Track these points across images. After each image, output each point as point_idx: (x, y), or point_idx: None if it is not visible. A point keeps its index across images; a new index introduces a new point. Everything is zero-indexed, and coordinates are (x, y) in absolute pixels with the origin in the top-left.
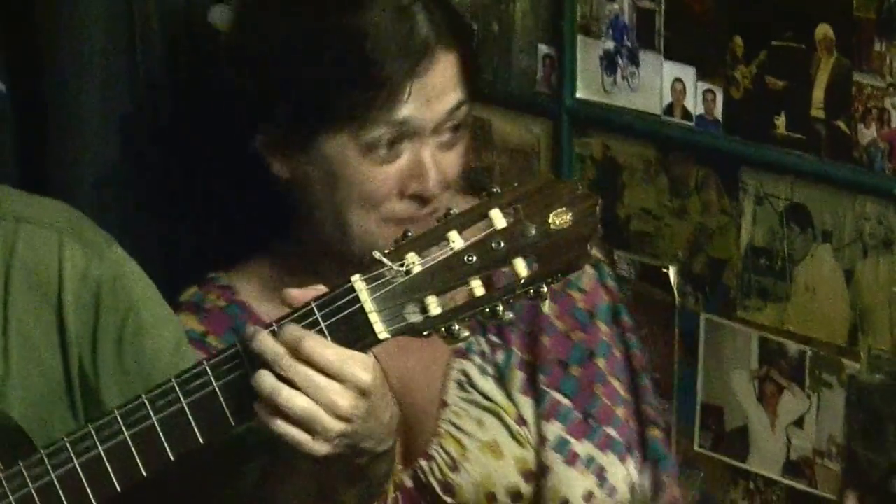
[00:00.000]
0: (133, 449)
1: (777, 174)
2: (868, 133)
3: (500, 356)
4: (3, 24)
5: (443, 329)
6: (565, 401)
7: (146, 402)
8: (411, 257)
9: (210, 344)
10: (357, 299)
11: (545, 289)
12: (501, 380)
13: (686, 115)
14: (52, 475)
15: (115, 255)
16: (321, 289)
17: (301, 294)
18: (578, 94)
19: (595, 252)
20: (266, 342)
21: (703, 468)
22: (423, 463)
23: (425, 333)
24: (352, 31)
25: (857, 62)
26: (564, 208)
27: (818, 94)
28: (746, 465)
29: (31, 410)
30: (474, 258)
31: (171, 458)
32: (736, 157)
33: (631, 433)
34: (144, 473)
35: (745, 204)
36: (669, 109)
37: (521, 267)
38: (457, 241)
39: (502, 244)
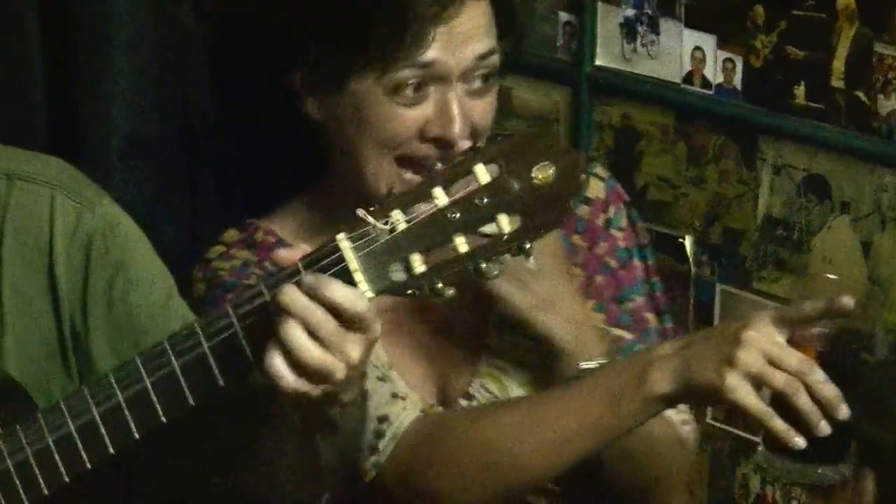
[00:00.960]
0: (127, 412)
1: (796, 144)
2: (888, 104)
3: None
4: None
5: (427, 287)
6: (627, 335)
7: (139, 363)
8: (396, 215)
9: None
10: (342, 258)
11: (528, 245)
12: None
13: (705, 83)
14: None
15: (106, 209)
16: (306, 248)
17: (289, 254)
18: (598, 62)
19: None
20: (290, 292)
21: (715, 440)
22: (464, 402)
23: (409, 292)
24: None
25: (878, 32)
26: (548, 163)
27: (838, 64)
28: (758, 437)
29: (28, 367)
30: (458, 215)
31: (164, 419)
32: (754, 127)
33: None
34: (137, 435)
35: (762, 174)
36: (689, 78)
37: (504, 223)
38: (441, 197)
39: (486, 200)
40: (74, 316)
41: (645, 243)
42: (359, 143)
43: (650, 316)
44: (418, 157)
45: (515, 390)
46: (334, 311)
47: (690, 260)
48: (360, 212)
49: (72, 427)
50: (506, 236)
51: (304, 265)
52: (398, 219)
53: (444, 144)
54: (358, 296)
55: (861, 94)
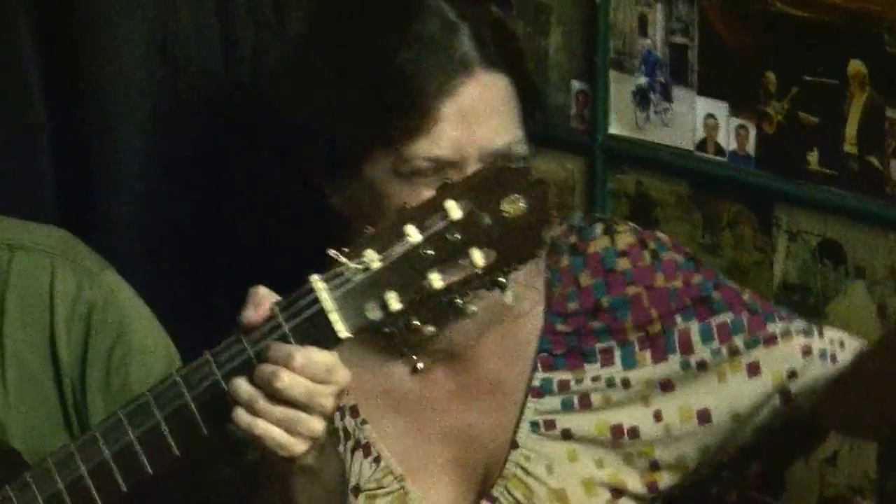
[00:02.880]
0: (113, 465)
1: (810, 210)
2: None
3: (615, 359)
4: (44, 57)
5: (403, 325)
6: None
7: (122, 417)
8: (369, 254)
9: None
10: (317, 299)
11: (503, 279)
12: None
13: (719, 150)
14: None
15: (107, 278)
16: (266, 294)
17: (256, 312)
18: (612, 130)
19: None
20: (261, 368)
21: None
22: None
23: (386, 330)
24: (390, 43)
25: (889, 98)
26: (518, 196)
27: (850, 129)
28: (780, 502)
29: (31, 437)
30: (432, 251)
31: (150, 471)
32: (769, 193)
33: None
34: (124, 488)
35: (778, 240)
36: (702, 145)
37: (477, 257)
38: (413, 234)
39: (458, 235)
40: (75, 384)
41: (691, 254)
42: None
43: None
44: None
45: (542, 501)
46: (304, 374)
47: None
48: (333, 252)
49: (61, 486)
50: (479, 270)
51: (280, 308)
52: (372, 258)
53: None
54: (323, 355)
55: (874, 160)
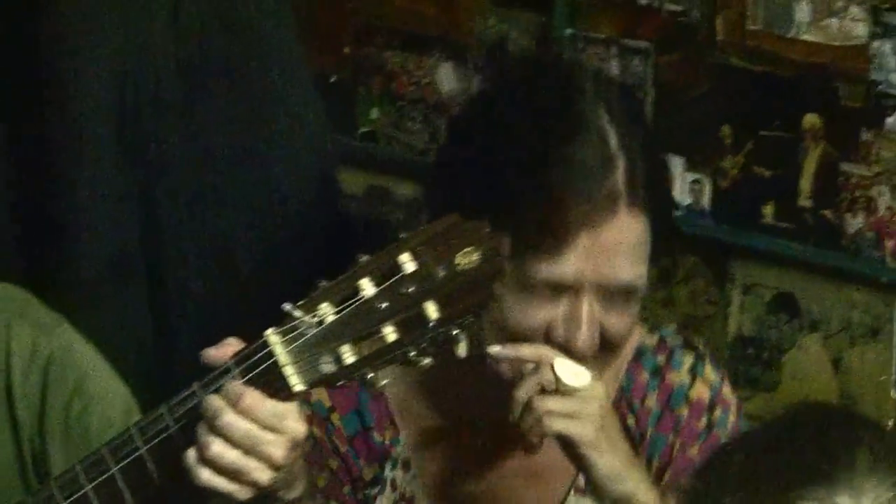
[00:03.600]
0: None
1: (765, 263)
2: (855, 222)
3: None
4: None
5: (358, 378)
6: None
7: (80, 471)
8: (324, 307)
9: (332, 421)
10: (271, 353)
11: (456, 331)
12: None
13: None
14: None
15: (63, 332)
16: (236, 345)
17: (218, 352)
18: None
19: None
20: (209, 400)
21: None
22: None
23: (340, 384)
24: (544, 157)
25: (844, 151)
26: (471, 248)
27: (805, 183)
28: None
29: None
30: (385, 304)
31: None
32: (724, 247)
33: None
34: None
35: (732, 293)
36: None
37: (431, 310)
38: (368, 288)
39: (411, 289)
40: (33, 438)
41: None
42: (486, 329)
43: None
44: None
45: None
46: (250, 416)
47: None
48: (288, 306)
49: None
50: (432, 323)
51: (234, 362)
52: (327, 311)
53: (568, 352)
54: (274, 403)
55: (828, 213)
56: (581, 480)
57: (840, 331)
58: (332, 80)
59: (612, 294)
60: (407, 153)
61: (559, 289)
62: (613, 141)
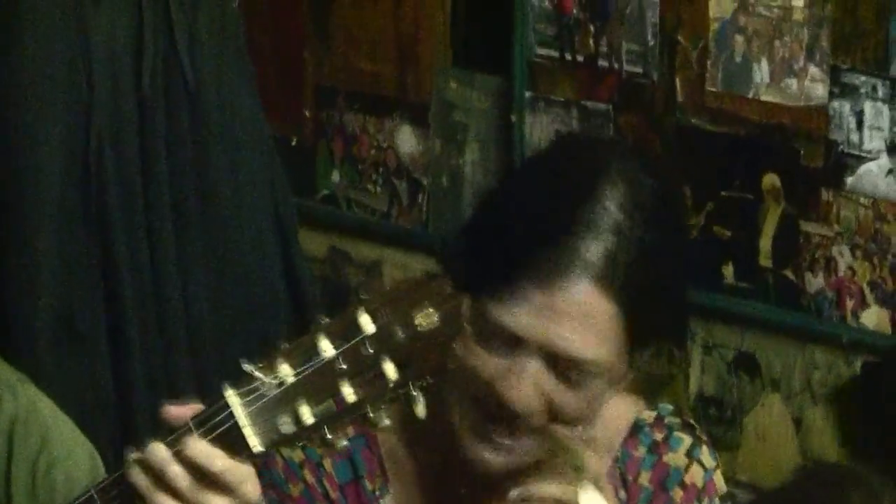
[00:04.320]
0: None
1: (726, 323)
2: (816, 282)
3: None
4: None
5: (317, 438)
6: None
7: None
8: (284, 368)
9: (324, 468)
10: (231, 415)
11: (415, 392)
12: None
13: None
14: None
15: (27, 391)
16: (197, 407)
17: (178, 411)
18: None
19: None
20: (158, 451)
21: None
22: None
23: (300, 444)
24: (545, 210)
25: (804, 211)
26: (432, 309)
27: (766, 243)
28: None
29: None
30: (345, 365)
31: None
32: None
33: None
34: None
35: (693, 353)
36: None
37: (390, 370)
38: (328, 349)
39: (371, 349)
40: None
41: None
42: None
43: None
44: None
45: None
46: (193, 470)
47: None
48: (248, 367)
49: None
50: (392, 383)
51: (195, 423)
52: (287, 372)
53: (506, 408)
54: (212, 455)
55: (789, 273)
56: None
57: (801, 390)
58: (293, 142)
59: (566, 366)
60: (367, 216)
61: (512, 342)
62: (607, 221)
